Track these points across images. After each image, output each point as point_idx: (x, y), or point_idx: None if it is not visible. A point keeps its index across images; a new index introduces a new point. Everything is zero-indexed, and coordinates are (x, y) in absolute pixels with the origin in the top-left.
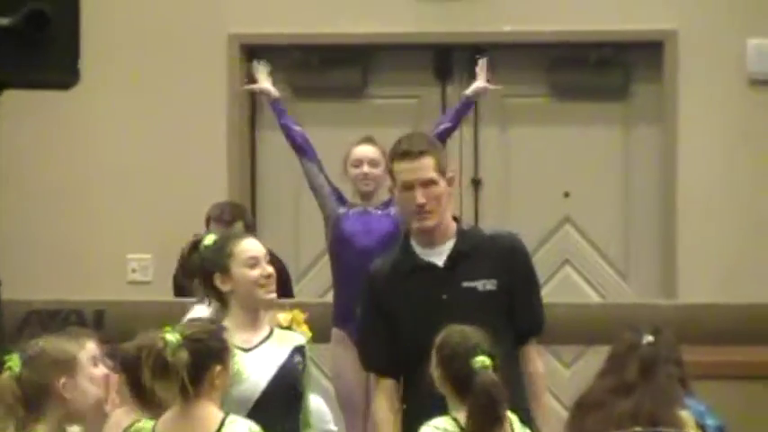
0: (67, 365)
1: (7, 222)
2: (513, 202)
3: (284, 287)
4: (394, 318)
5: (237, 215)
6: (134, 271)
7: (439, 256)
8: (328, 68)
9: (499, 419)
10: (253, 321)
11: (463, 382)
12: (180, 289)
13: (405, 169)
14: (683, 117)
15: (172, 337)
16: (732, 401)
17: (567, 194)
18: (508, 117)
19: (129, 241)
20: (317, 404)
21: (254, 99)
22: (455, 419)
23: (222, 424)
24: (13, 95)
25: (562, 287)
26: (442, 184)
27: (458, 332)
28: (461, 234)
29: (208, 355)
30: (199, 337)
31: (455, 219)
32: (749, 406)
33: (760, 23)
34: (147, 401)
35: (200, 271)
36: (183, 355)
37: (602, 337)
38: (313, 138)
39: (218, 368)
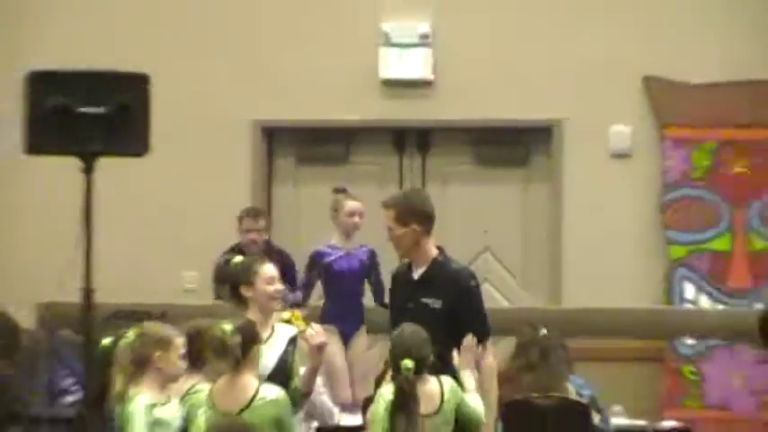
0: (164, 344)
1: (99, 245)
2: (449, 235)
3: (291, 276)
4: (391, 301)
5: (263, 213)
6: (187, 283)
7: (418, 272)
8: (322, 143)
9: (407, 404)
10: (265, 320)
11: (396, 371)
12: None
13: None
14: (567, 180)
15: (228, 327)
16: (600, 377)
17: (486, 231)
18: (446, 178)
19: (184, 263)
20: (321, 401)
21: (270, 165)
22: None
23: (258, 388)
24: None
25: (484, 297)
26: (399, 230)
27: (402, 334)
28: (434, 263)
29: (251, 339)
30: (244, 327)
31: (440, 249)
32: (612, 381)
33: (619, 114)
34: (199, 368)
35: (230, 280)
36: (237, 339)
37: (509, 331)
38: (310, 192)
39: (256, 348)
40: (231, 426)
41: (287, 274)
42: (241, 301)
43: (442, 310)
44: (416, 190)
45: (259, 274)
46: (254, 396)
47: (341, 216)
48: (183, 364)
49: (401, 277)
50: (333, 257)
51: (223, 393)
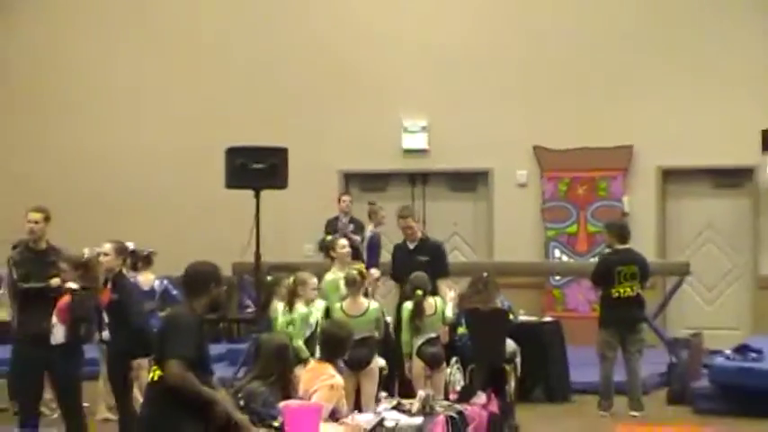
0: (302, 282)
1: (263, 233)
2: (437, 226)
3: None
4: (395, 261)
5: (350, 194)
6: (306, 251)
7: (412, 245)
8: (373, 181)
9: (421, 312)
10: (343, 268)
11: (412, 296)
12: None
13: (402, 222)
14: (496, 198)
15: (354, 271)
16: (513, 296)
17: (455, 224)
18: (436, 198)
19: (305, 240)
20: None
21: (348, 192)
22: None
23: (369, 303)
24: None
25: (453, 257)
26: (416, 226)
27: (415, 278)
28: (421, 240)
29: (363, 277)
30: (360, 271)
31: (424, 233)
32: (518, 298)
33: (521, 164)
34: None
35: (324, 248)
36: (358, 277)
37: (468, 273)
38: (362, 209)
39: (364, 282)
40: (343, 324)
41: (357, 229)
42: (330, 258)
43: (428, 261)
44: (411, 206)
45: (338, 244)
46: (368, 307)
47: (378, 218)
48: (314, 293)
49: (402, 248)
50: (377, 238)
51: (350, 306)
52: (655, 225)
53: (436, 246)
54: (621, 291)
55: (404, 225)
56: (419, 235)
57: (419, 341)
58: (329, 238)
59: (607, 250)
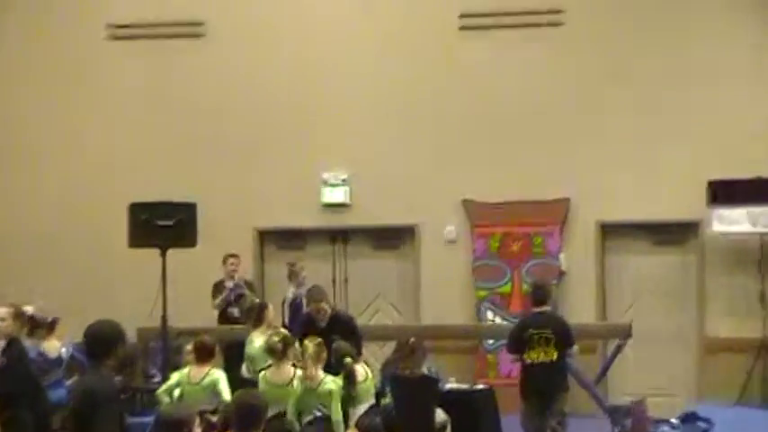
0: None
1: (170, 297)
2: (360, 287)
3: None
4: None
5: (238, 256)
6: (213, 316)
7: (324, 323)
8: (291, 238)
9: (351, 379)
10: (264, 333)
11: (340, 364)
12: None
13: (315, 306)
14: (422, 256)
15: (275, 337)
16: (442, 361)
17: (379, 284)
18: (356, 256)
19: (208, 303)
20: None
21: (262, 250)
22: None
23: (295, 373)
24: None
25: (377, 320)
26: (328, 308)
27: (337, 347)
28: (332, 316)
29: (287, 345)
30: (284, 336)
31: (334, 309)
32: (449, 364)
33: (449, 220)
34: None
35: (254, 313)
36: (279, 345)
37: (393, 338)
38: (282, 268)
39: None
40: (257, 394)
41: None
42: (258, 323)
43: (339, 337)
44: (322, 288)
45: (269, 310)
46: (293, 376)
47: (299, 278)
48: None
49: (315, 326)
50: (299, 300)
51: (273, 374)
52: (594, 284)
53: (347, 322)
54: (534, 356)
55: (317, 308)
56: (329, 312)
57: (358, 411)
58: (256, 300)
59: None
